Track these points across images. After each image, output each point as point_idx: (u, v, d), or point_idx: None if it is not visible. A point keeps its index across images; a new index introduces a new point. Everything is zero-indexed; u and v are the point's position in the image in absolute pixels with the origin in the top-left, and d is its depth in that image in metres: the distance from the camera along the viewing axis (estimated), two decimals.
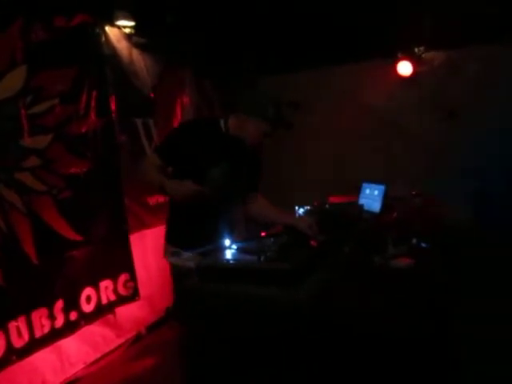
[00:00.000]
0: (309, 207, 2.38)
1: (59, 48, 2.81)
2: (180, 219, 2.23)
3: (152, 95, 3.76)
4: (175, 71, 4.03)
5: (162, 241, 2.30)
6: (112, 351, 3.17)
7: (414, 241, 2.25)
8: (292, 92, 4.91)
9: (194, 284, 1.71)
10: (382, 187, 2.95)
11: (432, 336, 1.65)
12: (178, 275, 2.13)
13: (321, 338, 1.50)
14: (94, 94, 3.09)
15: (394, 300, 1.71)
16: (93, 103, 3.08)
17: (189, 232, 2.18)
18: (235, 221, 2.41)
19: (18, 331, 2.54)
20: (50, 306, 2.72)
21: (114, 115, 3.29)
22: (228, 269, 1.69)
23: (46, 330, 2.69)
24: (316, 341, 1.48)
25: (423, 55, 4.39)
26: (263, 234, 2.12)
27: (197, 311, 1.68)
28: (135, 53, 3.59)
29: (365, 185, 3.19)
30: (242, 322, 1.57)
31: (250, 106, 2.13)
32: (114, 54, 3.34)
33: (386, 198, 2.91)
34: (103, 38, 3.21)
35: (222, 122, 2.23)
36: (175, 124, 3.99)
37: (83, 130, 3.00)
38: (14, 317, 2.52)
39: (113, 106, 3.30)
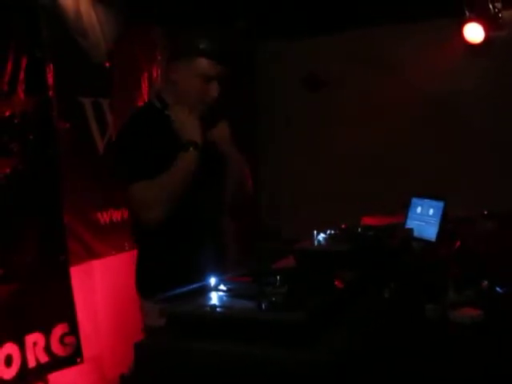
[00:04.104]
0: (333, 232, 2.39)
1: None
2: (158, 250, 2.26)
3: (108, 64, 3.78)
4: (141, 31, 4.06)
5: (117, 276, 2.30)
6: None
7: (486, 283, 2.26)
8: (313, 65, 4.95)
9: (163, 342, 1.71)
10: (441, 204, 2.97)
11: None
12: None
13: None
14: (24, 61, 3.11)
15: (455, 368, 1.72)
16: (21, 75, 3.10)
17: (173, 266, 2.20)
18: (223, 248, 2.43)
19: None
20: None
21: (51, 93, 3.31)
22: (214, 321, 1.69)
23: None
24: None
25: (500, 14, 4.43)
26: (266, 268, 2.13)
27: (166, 381, 1.68)
28: (84, 2, 3.62)
29: (415, 200, 3.20)
30: None
31: (175, 51, 2.29)
32: (52, 1, 3.35)
33: (446, 220, 2.92)
34: None
35: (155, 102, 2.39)
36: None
37: (7, 114, 3.02)
38: None
39: (50, 80, 3.31)
